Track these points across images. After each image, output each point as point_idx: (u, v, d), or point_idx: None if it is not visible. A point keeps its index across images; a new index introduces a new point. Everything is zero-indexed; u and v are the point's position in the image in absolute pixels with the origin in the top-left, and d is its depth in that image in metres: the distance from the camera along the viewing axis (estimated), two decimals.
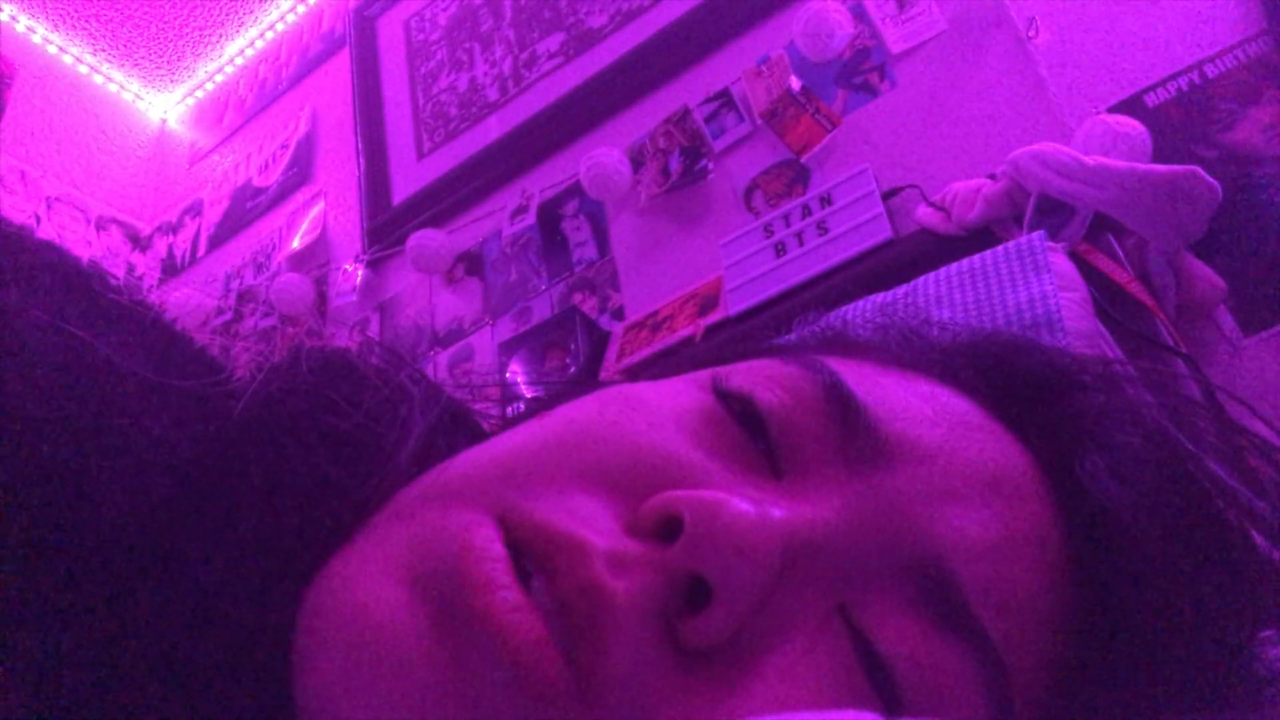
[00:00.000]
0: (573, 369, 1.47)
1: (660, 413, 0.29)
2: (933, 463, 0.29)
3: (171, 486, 0.26)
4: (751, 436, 0.29)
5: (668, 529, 0.25)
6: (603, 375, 1.39)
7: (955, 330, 0.39)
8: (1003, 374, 0.35)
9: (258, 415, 0.29)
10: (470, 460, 0.28)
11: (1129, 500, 0.29)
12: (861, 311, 0.84)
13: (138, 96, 2.73)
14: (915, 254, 1.16)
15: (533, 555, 0.24)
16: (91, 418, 0.25)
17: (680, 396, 0.31)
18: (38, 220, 2.31)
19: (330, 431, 0.29)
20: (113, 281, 0.31)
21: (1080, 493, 0.30)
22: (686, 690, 0.24)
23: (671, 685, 0.23)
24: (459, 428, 0.36)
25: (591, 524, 0.25)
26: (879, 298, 0.92)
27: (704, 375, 0.32)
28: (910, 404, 0.31)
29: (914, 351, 0.36)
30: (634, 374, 0.43)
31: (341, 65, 2.36)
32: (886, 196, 1.31)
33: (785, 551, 0.25)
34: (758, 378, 0.31)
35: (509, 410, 0.41)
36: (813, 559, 0.26)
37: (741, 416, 0.29)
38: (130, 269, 2.51)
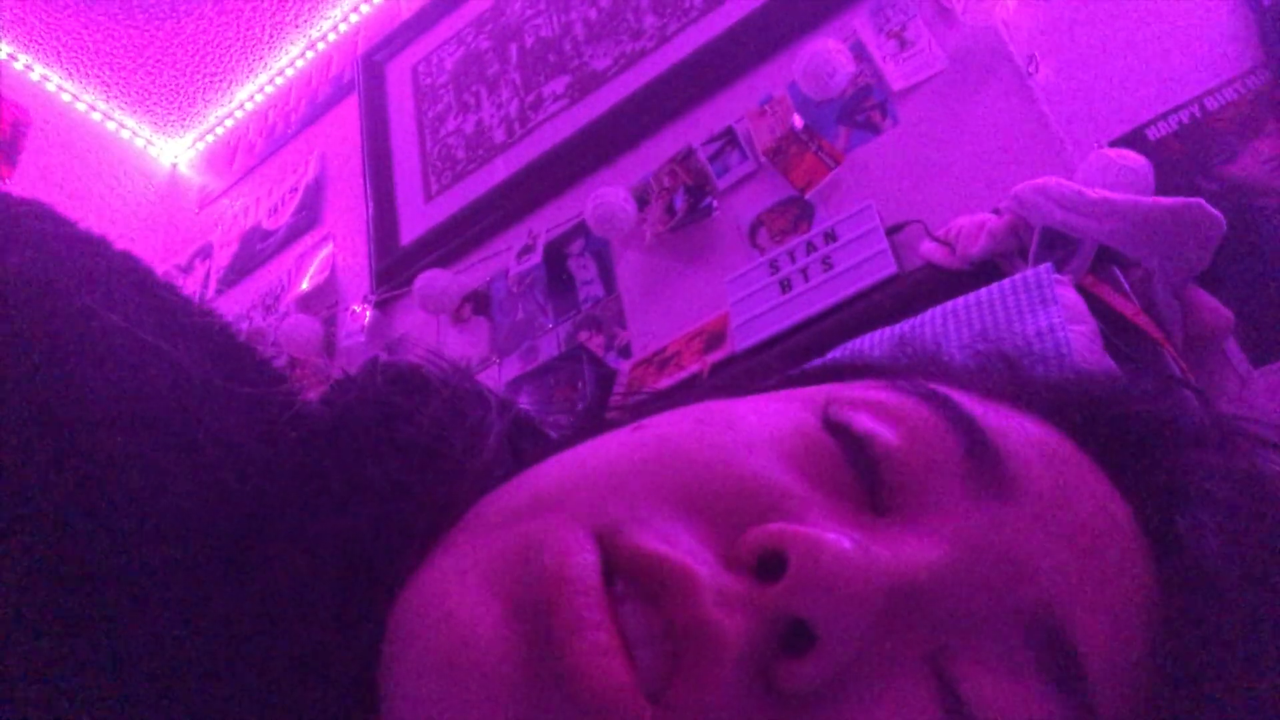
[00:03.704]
0: (580, 407, 1.47)
1: (760, 436, 0.28)
2: (1053, 506, 0.28)
3: (239, 486, 0.27)
4: (858, 471, 0.28)
5: (766, 564, 0.24)
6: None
7: (1059, 367, 0.38)
8: (1110, 420, 0.33)
9: (335, 423, 0.30)
10: (564, 469, 0.28)
11: (1232, 560, 0.28)
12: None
13: (149, 142, 2.77)
14: (920, 289, 1.16)
15: (631, 580, 0.24)
16: (160, 415, 0.26)
17: (782, 418, 0.29)
18: None
19: (405, 440, 0.30)
20: (182, 292, 0.32)
21: (1179, 549, 0.29)
22: None
23: None
24: (529, 437, 0.36)
25: (693, 553, 0.24)
26: (885, 332, 0.92)
27: (810, 395, 0.31)
28: (1025, 442, 0.29)
29: (1019, 386, 0.35)
30: (723, 381, 0.42)
31: (350, 109, 2.39)
32: (890, 232, 1.32)
33: (892, 596, 0.24)
34: (874, 409, 0.29)
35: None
36: (917, 603, 0.25)
37: (856, 452, 0.28)
38: None
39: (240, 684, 0.24)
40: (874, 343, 0.89)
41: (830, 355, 0.83)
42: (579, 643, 0.22)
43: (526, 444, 0.35)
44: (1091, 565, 0.27)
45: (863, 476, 0.28)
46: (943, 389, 0.31)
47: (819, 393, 0.31)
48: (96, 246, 0.30)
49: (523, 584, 0.24)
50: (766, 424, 0.29)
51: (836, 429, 0.29)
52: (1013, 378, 0.37)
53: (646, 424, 0.30)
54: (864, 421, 0.29)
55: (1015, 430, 0.30)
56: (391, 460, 0.29)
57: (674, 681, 0.22)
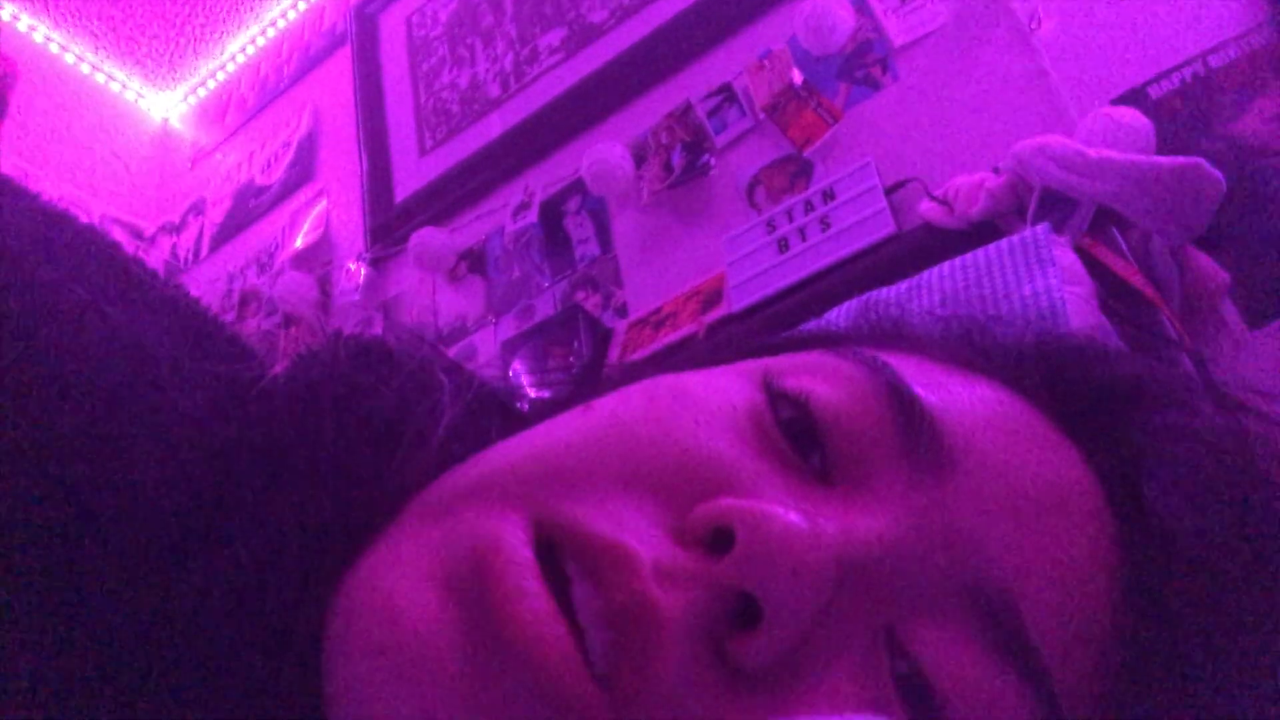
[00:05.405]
0: (576, 367, 1.47)
1: (709, 410, 0.28)
2: (998, 478, 0.27)
3: (204, 463, 0.27)
4: (801, 442, 0.28)
5: (716, 539, 0.24)
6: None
7: (1023, 330, 0.37)
8: (1073, 382, 0.32)
9: (297, 400, 0.29)
10: (508, 454, 0.28)
11: (1197, 523, 0.28)
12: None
13: (139, 95, 2.73)
14: (919, 248, 1.16)
15: (577, 563, 0.24)
16: (124, 389, 0.26)
17: (729, 391, 0.29)
18: None
19: (368, 418, 0.29)
20: (149, 266, 0.32)
21: (1144, 512, 0.28)
22: (730, 709, 0.23)
23: (715, 703, 0.23)
24: (496, 414, 0.36)
25: (637, 531, 0.24)
26: (881, 292, 0.92)
27: (754, 368, 0.31)
28: (974, 410, 0.29)
29: (977, 351, 0.35)
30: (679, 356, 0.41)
31: (343, 62, 2.35)
32: (889, 191, 1.31)
33: (839, 570, 0.24)
34: (814, 376, 0.29)
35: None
36: (866, 577, 0.25)
37: (793, 421, 0.28)
38: None
39: (194, 663, 0.24)
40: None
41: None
42: (515, 611, 0.22)
43: (492, 421, 0.35)
44: (1040, 539, 0.27)
45: (806, 443, 0.28)
46: (886, 356, 0.30)
47: (762, 364, 0.31)
48: (61, 220, 0.30)
49: (459, 569, 0.24)
50: (715, 398, 0.28)
51: (776, 396, 0.29)
52: (972, 341, 0.36)
53: (596, 404, 0.30)
54: (799, 382, 0.29)
55: (960, 400, 0.29)
56: (352, 438, 0.29)
57: (620, 663, 0.22)
